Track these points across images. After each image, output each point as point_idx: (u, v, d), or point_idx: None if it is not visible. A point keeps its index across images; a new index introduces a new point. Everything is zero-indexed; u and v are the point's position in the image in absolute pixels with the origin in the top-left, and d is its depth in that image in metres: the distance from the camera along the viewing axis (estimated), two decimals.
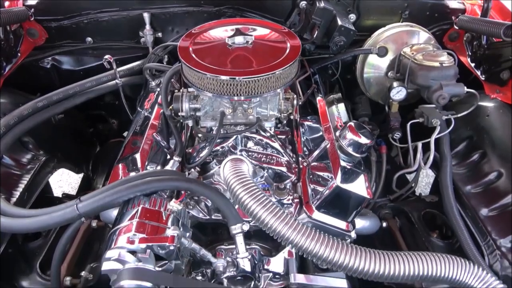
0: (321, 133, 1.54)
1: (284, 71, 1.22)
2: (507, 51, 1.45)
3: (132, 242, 1.02)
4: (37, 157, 1.51)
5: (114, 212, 1.27)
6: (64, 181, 2.97)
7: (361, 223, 1.38)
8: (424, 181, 3.07)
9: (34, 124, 1.49)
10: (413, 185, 1.63)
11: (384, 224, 1.56)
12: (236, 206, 1.20)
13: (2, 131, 1.37)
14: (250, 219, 1.23)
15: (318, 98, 1.67)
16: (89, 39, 1.82)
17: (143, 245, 1.02)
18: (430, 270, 0.93)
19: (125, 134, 1.69)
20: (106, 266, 1.02)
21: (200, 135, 1.49)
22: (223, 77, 1.17)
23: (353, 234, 1.28)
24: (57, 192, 2.12)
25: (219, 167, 1.20)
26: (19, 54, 1.67)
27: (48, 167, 1.54)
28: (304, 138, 1.56)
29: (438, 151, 1.50)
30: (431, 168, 1.52)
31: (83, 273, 1.38)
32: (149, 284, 0.99)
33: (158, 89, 1.62)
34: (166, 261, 1.05)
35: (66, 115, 1.80)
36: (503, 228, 1.24)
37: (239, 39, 1.29)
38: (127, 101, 1.71)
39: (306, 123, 1.59)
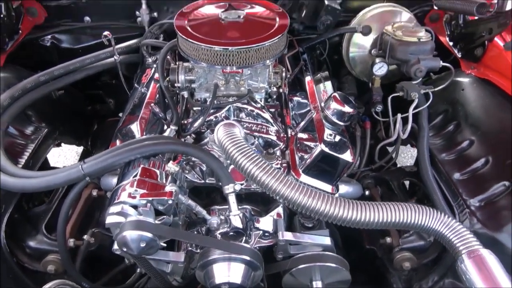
0: (308, 108, 1.64)
1: (273, 43, 1.32)
2: (480, 29, 1.56)
3: (133, 197, 1.11)
4: (40, 129, 1.59)
5: (114, 180, 1.36)
6: (61, 162, 3.05)
7: (345, 189, 1.49)
8: (409, 162, 3.21)
9: (37, 97, 1.57)
10: (393, 155, 1.74)
11: (367, 193, 1.67)
12: (230, 168, 1.31)
13: (8, 102, 1.45)
14: (242, 182, 1.35)
15: (308, 80, 1.76)
16: (87, 18, 1.90)
17: (144, 200, 1.11)
18: (401, 217, 1.04)
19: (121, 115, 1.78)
20: (110, 219, 1.12)
21: (195, 108, 1.58)
22: (217, 48, 1.27)
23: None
24: None
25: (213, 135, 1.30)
26: (20, 31, 1.74)
27: (51, 138, 1.62)
28: (293, 112, 1.66)
29: (417, 124, 1.61)
30: (410, 139, 1.63)
31: (85, 237, 1.47)
32: (149, 235, 1.09)
33: (155, 65, 1.70)
34: (165, 216, 1.16)
35: (66, 92, 1.88)
36: (472, 189, 1.36)
37: (231, 14, 1.38)
38: (124, 80, 1.79)
39: (295, 98, 1.69)
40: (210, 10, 1.47)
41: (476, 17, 1.60)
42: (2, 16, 1.62)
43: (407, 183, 1.75)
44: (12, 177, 1.22)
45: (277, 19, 1.43)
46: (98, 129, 2.20)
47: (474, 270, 0.92)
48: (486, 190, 1.33)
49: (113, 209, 1.12)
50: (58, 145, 2.15)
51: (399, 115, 1.57)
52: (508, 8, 1.43)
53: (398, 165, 1.90)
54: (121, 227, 1.09)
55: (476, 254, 0.94)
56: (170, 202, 1.12)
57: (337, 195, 1.39)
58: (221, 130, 1.21)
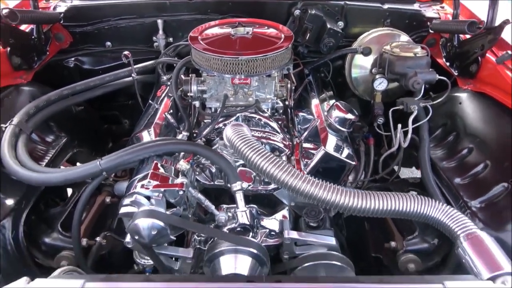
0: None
1: (279, 55, 1.44)
2: (473, 46, 1.67)
3: (146, 188, 1.18)
4: (60, 137, 1.70)
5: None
6: None
7: None
8: None
9: (59, 108, 1.69)
10: (396, 166, 1.80)
11: None
12: (238, 170, 1.38)
13: (33, 111, 1.57)
14: (249, 184, 1.41)
15: (315, 103, 1.85)
16: (108, 43, 2.06)
17: (156, 191, 1.18)
18: (402, 205, 1.09)
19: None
20: (123, 210, 1.18)
21: (205, 120, 1.67)
22: (227, 57, 1.39)
23: None
24: None
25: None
26: (47, 53, 1.90)
27: (70, 147, 1.72)
28: (298, 126, 1.74)
29: (418, 136, 1.68)
30: (411, 149, 1.69)
31: (98, 238, 1.53)
32: (161, 223, 1.15)
33: (169, 83, 1.83)
34: (175, 208, 1.21)
35: (84, 109, 2.01)
36: (473, 192, 1.40)
37: (240, 30, 1.52)
38: (134, 99, 1.92)
39: (300, 114, 1.78)
40: (221, 28, 1.61)
41: (468, 36, 1.72)
42: (33, 37, 1.79)
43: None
44: (35, 172, 1.31)
45: (282, 35, 1.56)
46: (113, 147, 2.29)
47: (471, 251, 0.95)
48: (487, 192, 1.37)
49: (127, 200, 1.20)
50: (74, 164, 2.25)
51: (399, 125, 1.64)
52: (496, 24, 1.54)
53: None
54: (134, 216, 1.15)
55: (473, 236, 0.97)
56: (181, 193, 1.19)
57: None
58: (229, 128, 1.30)
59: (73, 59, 2.04)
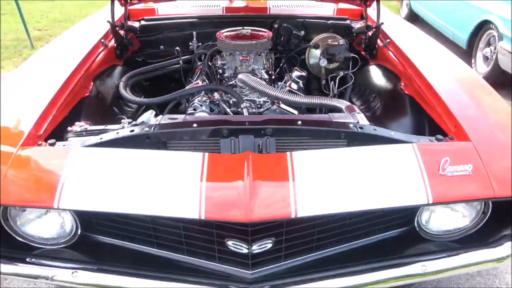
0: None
1: (264, 42, 2.77)
2: (373, 39, 3.00)
3: (199, 101, 2.46)
4: (141, 96, 2.97)
5: None
6: None
7: None
8: None
9: (140, 79, 2.98)
10: None
11: None
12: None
13: (130, 77, 2.85)
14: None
15: (287, 78, 3.15)
16: (162, 47, 3.37)
17: (205, 102, 2.46)
18: (315, 100, 2.34)
19: None
20: (188, 112, 2.45)
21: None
22: (238, 42, 2.71)
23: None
24: None
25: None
26: (128, 51, 3.22)
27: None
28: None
29: (345, 91, 2.98)
30: (339, 96, 2.98)
31: None
32: (207, 115, 2.40)
33: (201, 66, 3.13)
34: (214, 111, 2.48)
35: (149, 85, 3.29)
36: (368, 110, 2.68)
37: (243, 31, 2.86)
38: (176, 83, 3.21)
39: (278, 83, 3.09)
40: (232, 31, 2.95)
41: (370, 34, 3.06)
42: (124, 40, 3.10)
43: None
44: (142, 99, 2.59)
45: (266, 34, 2.89)
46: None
47: (347, 112, 2.21)
48: (373, 108, 2.65)
49: (190, 108, 2.47)
50: None
51: (332, 82, 2.95)
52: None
53: None
54: (193, 113, 2.42)
55: (348, 106, 2.24)
56: (217, 103, 2.47)
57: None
58: (241, 75, 2.59)
59: (141, 56, 3.35)
